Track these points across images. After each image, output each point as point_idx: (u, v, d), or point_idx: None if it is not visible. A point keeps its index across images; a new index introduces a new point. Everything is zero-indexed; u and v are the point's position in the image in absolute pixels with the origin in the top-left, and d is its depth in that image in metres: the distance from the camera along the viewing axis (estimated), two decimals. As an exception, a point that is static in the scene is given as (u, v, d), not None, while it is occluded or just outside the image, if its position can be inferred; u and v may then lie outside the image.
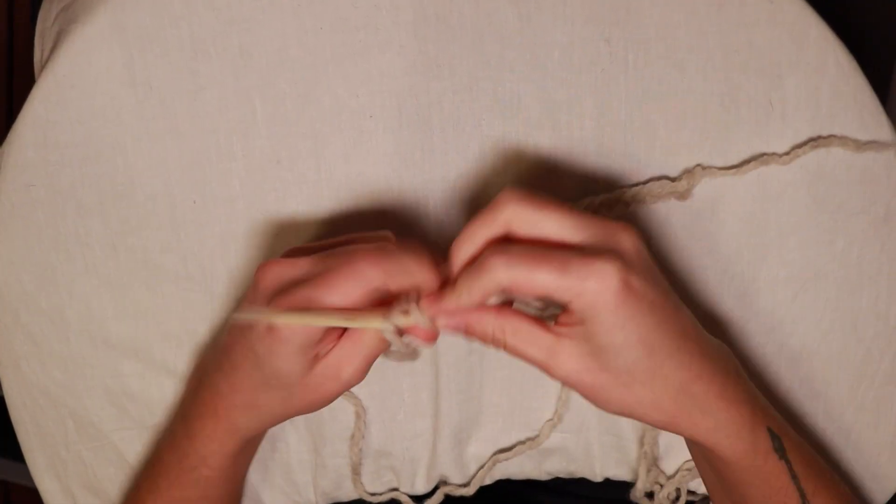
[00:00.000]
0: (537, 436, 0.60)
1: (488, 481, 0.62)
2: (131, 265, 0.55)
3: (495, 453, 0.61)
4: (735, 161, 0.55)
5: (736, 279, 0.57)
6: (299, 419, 0.59)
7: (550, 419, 0.60)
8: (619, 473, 0.62)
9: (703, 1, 0.52)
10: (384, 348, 0.47)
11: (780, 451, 0.49)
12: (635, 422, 0.59)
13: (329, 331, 0.46)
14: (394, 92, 0.53)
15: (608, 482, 0.62)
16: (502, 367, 0.59)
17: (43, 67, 0.53)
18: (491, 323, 0.45)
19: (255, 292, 0.47)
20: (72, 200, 0.54)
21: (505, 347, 0.45)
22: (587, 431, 0.61)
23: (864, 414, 0.60)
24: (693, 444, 0.51)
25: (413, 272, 0.45)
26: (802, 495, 0.49)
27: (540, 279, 0.41)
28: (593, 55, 0.53)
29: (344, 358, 0.46)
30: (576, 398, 0.59)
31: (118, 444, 0.59)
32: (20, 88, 1.17)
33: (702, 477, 0.55)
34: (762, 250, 0.57)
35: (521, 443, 0.61)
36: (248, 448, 0.54)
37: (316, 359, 0.47)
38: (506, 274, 0.42)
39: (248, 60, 0.52)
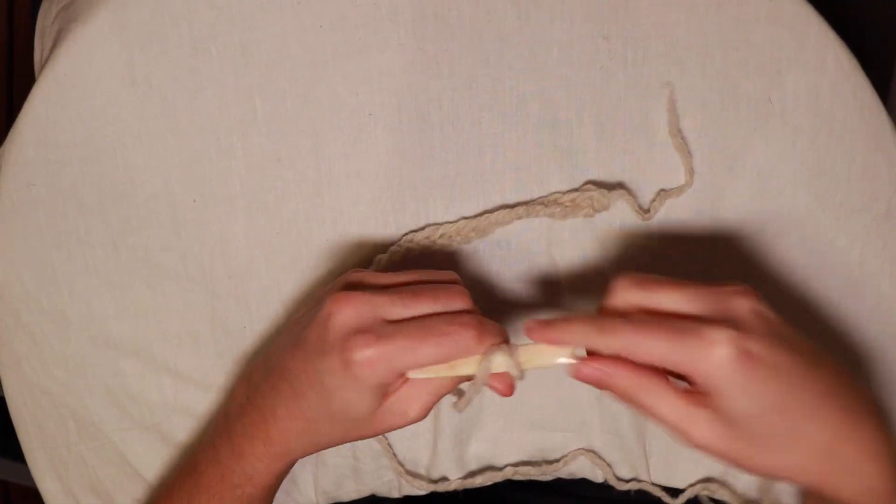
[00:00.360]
0: (556, 461, 0.60)
1: (488, 482, 0.62)
2: (132, 264, 0.55)
3: (518, 464, 0.61)
4: (735, 161, 0.55)
5: (736, 278, 0.57)
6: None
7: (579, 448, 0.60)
8: (621, 473, 0.61)
9: None
10: (452, 389, 0.47)
11: None
12: (636, 422, 0.59)
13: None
14: (393, 90, 0.53)
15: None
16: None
17: (43, 67, 0.53)
18: (630, 379, 0.43)
19: (328, 326, 0.45)
20: (72, 199, 0.54)
21: (640, 406, 0.43)
22: (588, 431, 0.60)
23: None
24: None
25: (500, 337, 0.46)
26: None
27: (652, 348, 0.41)
28: (592, 53, 0.53)
29: (413, 396, 0.46)
30: (577, 398, 0.59)
31: (119, 445, 0.59)
32: (20, 88, 1.17)
33: None
34: (762, 249, 0.57)
35: (538, 464, 0.61)
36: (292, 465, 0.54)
37: (386, 396, 0.46)
38: (618, 340, 0.41)
39: (249, 59, 0.52)
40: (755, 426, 0.41)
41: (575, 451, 0.60)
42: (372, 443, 0.60)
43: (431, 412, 0.58)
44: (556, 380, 0.58)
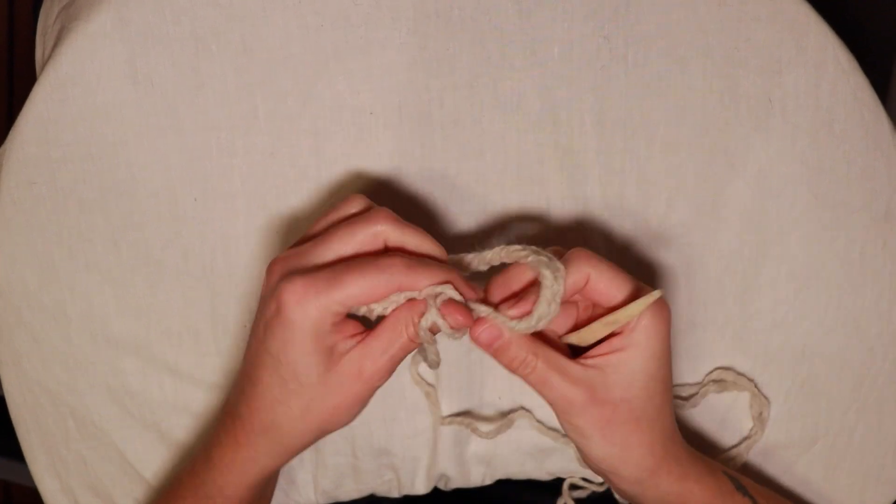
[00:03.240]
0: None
1: (488, 481, 0.62)
2: (133, 262, 0.55)
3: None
4: (735, 161, 0.55)
5: (737, 277, 0.57)
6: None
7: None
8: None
9: None
10: (411, 349, 0.46)
11: (742, 489, 0.51)
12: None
13: (344, 325, 0.45)
14: (394, 89, 0.53)
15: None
16: (503, 365, 0.59)
17: (45, 65, 0.53)
18: (525, 347, 0.45)
19: (266, 288, 0.46)
20: (73, 197, 0.54)
21: (533, 373, 0.46)
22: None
23: (867, 414, 0.59)
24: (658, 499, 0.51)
25: (434, 272, 0.44)
26: None
27: (619, 282, 0.46)
28: (593, 52, 0.53)
29: (366, 356, 0.45)
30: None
31: (118, 443, 0.59)
32: (21, 87, 1.17)
33: None
34: (763, 248, 0.57)
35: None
36: (267, 487, 0.53)
37: (336, 357, 0.45)
38: (593, 269, 0.45)
39: (250, 57, 0.52)
40: (642, 391, 0.46)
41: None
42: (371, 441, 0.60)
43: (429, 409, 0.59)
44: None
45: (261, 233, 0.55)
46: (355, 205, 0.47)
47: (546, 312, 0.44)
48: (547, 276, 0.44)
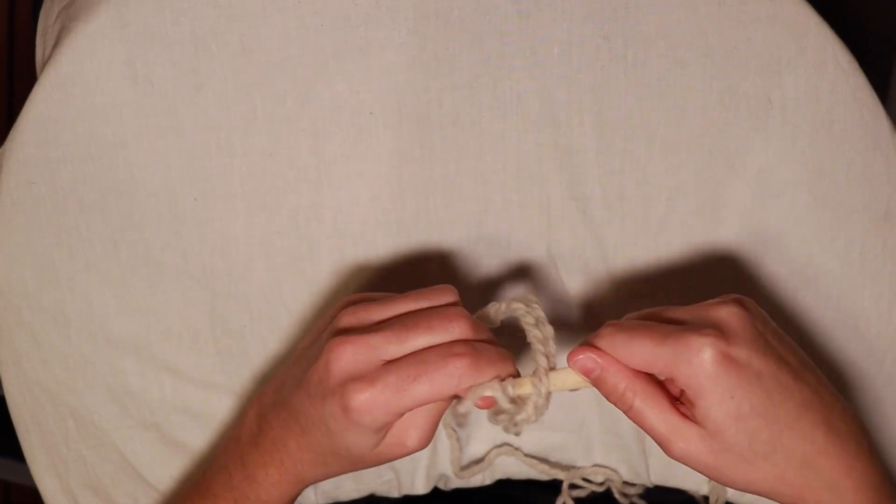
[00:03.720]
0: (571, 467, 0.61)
1: (488, 481, 0.62)
2: (132, 262, 0.55)
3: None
4: (735, 161, 0.55)
5: (736, 277, 0.57)
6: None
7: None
8: (621, 471, 0.61)
9: None
10: (445, 408, 0.46)
11: None
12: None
13: None
14: (394, 89, 0.53)
15: (609, 482, 0.62)
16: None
17: (45, 65, 0.53)
18: (625, 379, 0.44)
19: (327, 371, 0.45)
20: (73, 197, 0.54)
21: (630, 409, 0.44)
22: (587, 431, 0.60)
23: (867, 415, 0.59)
24: None
25: (497, 365, 0.45)
26: None
27: (637, 348, 0.43)
28: (593, 52, 0.53)
29: (409, 425, 0.46)
30: (576, 396, 0.59)
31: (118, 443, 0.59)
32: (22, 87, 1.17)
33: None
34: (762, 248, 0.57)
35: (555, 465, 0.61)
36: None
37: (387, 431, 0.46)
38: (607, 342, 0.43)
39: (249, 57, 0.52)
40: (737, 433, 0.42)
41: (591, 467, 0.61)
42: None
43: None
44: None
45: (260, 233, 0.55)
46: (445, 298, 0.47)
47: (530, 417, 0.45)
48: (534, 388, 0.45)
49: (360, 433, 0.45)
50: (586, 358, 0.44)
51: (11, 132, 0.53)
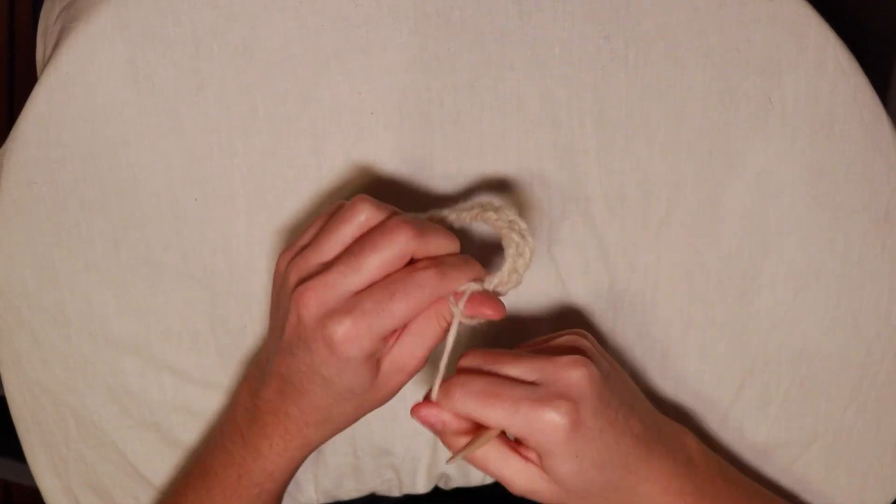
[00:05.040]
0: None
1: (489, 480, 0.62)
2: (132, 262, 0.55)
3: None
4: (735, 161, 0.55)
5: (737, 277, 0.57)
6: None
7: None
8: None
9: None
10: (443, 335, 0.47)
11: None
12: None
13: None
14: (395, 89, 0.53)
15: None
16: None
17: (45, 65, 0.53)
18: (468, 433, 0.47)
19: (301, 322, 0.45)
20: (74, 197, 0.54)
21: (473, 456, 0.47)
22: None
23: (866, 414, 0.60)
24: None
25: (461, 268, 0.46)
26: None
27: (491, 415, 0.45)
28: (593, 52, 0.53)
29: (406, 352, 0.47)
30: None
31: (118, 443, 0.59)
32: (22, 87, 1.17)
33: None
34: (762, 248, 0.57)
35: None
36: None
37: (380, 361, 0.47)
38: (462, 406, 0.46)
39: (250, 57, 0.52)
40: (575, 483, 0.46)
41: None
42: (372, 441, 0.60)
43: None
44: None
45: (261, 233, 0.55)
46: (363, 212, 0.47)
47: (515, 267, 0.47)
48: (514, 241, 0.47)
49: (352, 369, 0.46)
50: (428, 413, 0.47)
51: (12, 132, 0.53)
